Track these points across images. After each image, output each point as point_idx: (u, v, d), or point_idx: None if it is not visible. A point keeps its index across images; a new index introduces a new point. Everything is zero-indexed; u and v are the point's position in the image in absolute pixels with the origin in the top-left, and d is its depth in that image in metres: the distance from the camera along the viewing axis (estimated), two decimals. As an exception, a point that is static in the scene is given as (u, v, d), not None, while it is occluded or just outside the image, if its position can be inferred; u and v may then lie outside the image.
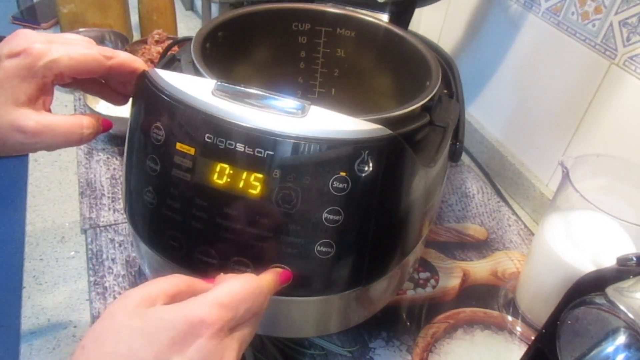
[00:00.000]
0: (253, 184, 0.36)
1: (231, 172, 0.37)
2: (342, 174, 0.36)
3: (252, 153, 0.36)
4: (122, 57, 0.41)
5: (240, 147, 0.36)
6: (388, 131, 0.37)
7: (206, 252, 0.39)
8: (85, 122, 0.40)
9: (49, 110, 0.40)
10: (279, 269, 0.38)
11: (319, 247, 0.38)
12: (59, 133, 0.39)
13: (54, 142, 0.39)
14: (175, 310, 0.30)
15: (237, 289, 0.32)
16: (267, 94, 0.37)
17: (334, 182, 0.36)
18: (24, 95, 0.37)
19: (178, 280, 0.33)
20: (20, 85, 0.37)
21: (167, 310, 0.30)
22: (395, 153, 0.38)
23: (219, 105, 0.36)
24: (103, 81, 0.44)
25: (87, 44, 0.40)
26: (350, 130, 0.36)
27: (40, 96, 0.38)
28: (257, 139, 0.36)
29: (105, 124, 0.43)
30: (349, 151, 0.36)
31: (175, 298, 0.32)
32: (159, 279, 0.33)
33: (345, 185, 0.36)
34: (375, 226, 0.39)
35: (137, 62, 0.42)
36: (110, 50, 0.41)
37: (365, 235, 0.39)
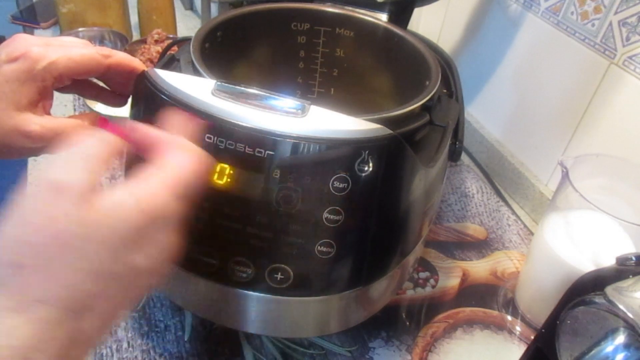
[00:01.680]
0: (253, 184, 0.36)
1: (231, 172, 0.37)
2: (343, 173, 0.36)
3: (252, 153, 0.36)
4: (120, 56, 0.41)
5: (240, 147, 0.36)
6: (388, 131, 0.37)
7: (206, 252, 0.39)
8: (86, 123, 0.41)
9: (49, 114, 0.40)
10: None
11: (319, 247, 0.38)
12: (62, 135, 0.39)
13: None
14: (128, 202, 0.27)
15: (191, 174, 0.30)
16: (267, 94, 0.37)
17: (334, 182, 0.36)
18: (25, 100, 0.37)
19: (108, 148, 0.29)
20: (20, 89, 0.36)
21: (119, 204, 0.27)
22: (396, 153, 0.38)
23: (219, 105, 0.36)
24: (100, 84, 0.44)
25: (84, 45, 0.40)
26: (351, 130, 0.36)
27: (41, 100, 0.38)
28: (257, 139, 0.36)
29: (101, 122, 0.43)
30: (349, 151, 0.36)
31: (109, 163, 0.29)
32: (79, 144, 0.29)
33: (346, 185, 0.36)
34: (375, 226, 0.39)
35: (135, 62, 0.42)
36: (108, 50, 0.41)
37: (366, 235, 0.39)
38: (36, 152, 0.39)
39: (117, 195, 0.28)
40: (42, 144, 0.38)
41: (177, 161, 0.30)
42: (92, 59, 0.39)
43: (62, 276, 0.25)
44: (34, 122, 0.37)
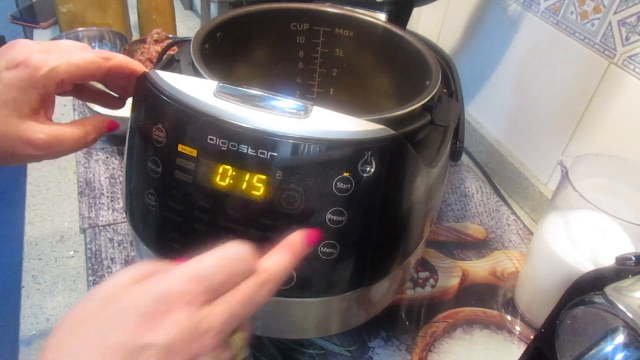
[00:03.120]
0: (256, 185, 0.36)
1: (234, 173, 0.37)
2: (346, 174, 0.36)
3: (254, 154, 0.36)
4: (120, 58, 0.41)
5: (243, 148, 0.36)
6: (391, 131, 0.37)
7: (209, 253, 0.39)
8: (88, 128, 0.40)
9: (51, 120, 0.39)
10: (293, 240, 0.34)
11: (322, 248, 0.38)
12: (66, 142, 0.39)
13: (61, 151, 0.39)
14: (141, 287, 0.28)
15: (208, 259, 0.30)
16: (270, 95, 0.37)
17: (338, 183, 0.36)
18: (27, 107, 0.36)
19: (149, 265, 0.30)
20: (22, 97, 0.36)
21: (133, 290, 0.28)
22: (398, 153, 0.38)
23: (221, 106, 0.36)
24: (99, 86, 0.44)
25: (84, 49, 0.40)
26: (353, 130, 0.36)
27: (43, 107, 0.38)
28: (260, 140, 0.36)
29: (110, 125, 0.43)
30: (352, 151, 0.36)
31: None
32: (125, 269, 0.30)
33: (349, 185, 0.36)
34: (378, 226, 0.39)
35: (134, 64, 0.42)
36: (107, 52, 0.41)
37: (369, 235, 0.39)
38: (39, 159, 0.39)
39: None
40: (47, 151, 0.38)
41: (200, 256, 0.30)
42: (93, 62, 0.39)
43: None
44: (38, 131, 0.37)
